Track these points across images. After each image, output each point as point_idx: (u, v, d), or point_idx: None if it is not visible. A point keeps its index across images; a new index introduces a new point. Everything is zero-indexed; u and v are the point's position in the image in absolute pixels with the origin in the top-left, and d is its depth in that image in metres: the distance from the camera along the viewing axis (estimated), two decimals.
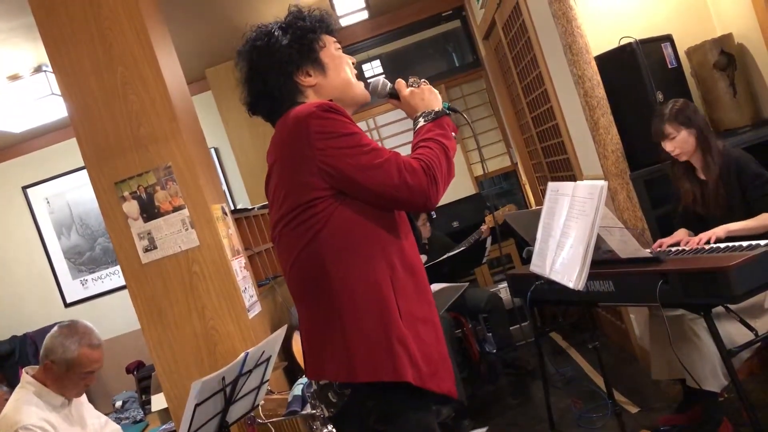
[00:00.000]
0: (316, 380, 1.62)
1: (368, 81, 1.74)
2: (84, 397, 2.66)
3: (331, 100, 1.61)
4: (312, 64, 1.65)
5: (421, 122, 1.65)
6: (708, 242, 2.54)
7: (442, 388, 1.56)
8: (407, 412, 1.54)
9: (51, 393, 2.45)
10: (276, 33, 1.64)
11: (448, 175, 1.58)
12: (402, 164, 1.50)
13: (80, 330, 2.50)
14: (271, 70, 1.63)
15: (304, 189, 1.52)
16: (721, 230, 2.57)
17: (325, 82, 1.66)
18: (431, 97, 1.69)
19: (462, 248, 4.37)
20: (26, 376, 2.49)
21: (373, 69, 6.43)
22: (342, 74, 1.68)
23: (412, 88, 1.72)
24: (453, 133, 1.66)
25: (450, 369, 1.61)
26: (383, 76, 1.77)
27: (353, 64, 1.75)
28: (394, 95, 1.75)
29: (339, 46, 1.73)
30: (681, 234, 2.81)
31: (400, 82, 1.74)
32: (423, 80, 1.74)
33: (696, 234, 2.76)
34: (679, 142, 2.78)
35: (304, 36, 1.64)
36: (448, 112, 1.69)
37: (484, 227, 4.44)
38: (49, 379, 2.45)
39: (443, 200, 5.23)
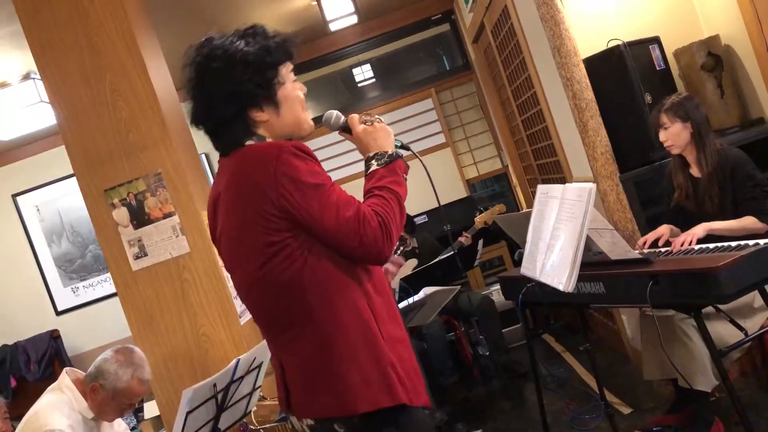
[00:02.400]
0: (306, 417, 1.57)
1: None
2: None
3: (289, 138, 1.58)
4: (267, 101, 1.56)
5: (374, 166, 1.60)
6: (690, 243, 2.54)
7: (423, 401, 1.58)
8: (418, 425, 1.57)
9: (85, 406, 2.44)
10: (237, 59, 1.52)
11: (401, 224, 1.56)
12: (361, 221, 1.47)
13: (136, 361, 2.49)
14: (223, 97, 1.53)
15: (270, 231, 1.47)
16: (700, 229, 2.58)
17: (276, 121, 1.58)
18: (384, 137, 1.64)
19: (450, 253, 4.37)
20: (66, 379, 2.47)
21: (363, 73, 6.44)
22: (294, 112, 1.61)
23: (365, 126, 1.66)
24: (404, 176, 1.63)
25: (423, 380, 1.63)
26: (339, 110, 1.76)
27: (304, 93, 1.66)
28: (346, 129, 1.70)
29: (293, 75, 1.62)
30: (663, 229, 2.82)
31: (353, 118, 1.68)
32: (377, 118, 1.69)
33: (682, 230, 2.78)
34: (671, 134, 2.80)
35: (265, 72, 1.55)
36: (401, 154, 1.65)
37: (463, 238, 4.43)
38: (92, 398, 2.44)
39: (434, 204, 5.24)
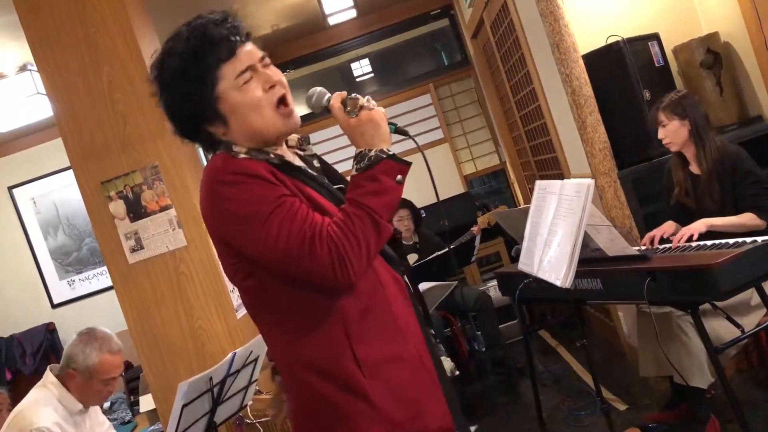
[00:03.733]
0: None
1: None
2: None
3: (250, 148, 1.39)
4: (212, 118, 1.38)
5: (353, 171, 1.34)
6: (690, 239, 2.55)
7: (432, 428, 1.38)
8: None
9: (72, 399, 2.44)
10: (171, 79, 1.36)
11: (370, 243, 1.30)
12: (307, 246, 1.27)
13: (99, 336, 2.48)
14: (176, 118, 1.41)
15: (232, 267, 1.39)
16: (701, 224, 2.59)
17: (231, 133, 1.38)
18: (372, 131, 1.35)
19: (451, 247, 4.37)
20: (50, 375, 2.47)
21: (362, 68, 6.43)
22: (247, 122, 1.36)
23: (349, 119, 1.36)
24: (396, 178, 1.33)
25: (440, 400, 1.42)
26: (328, 88, 1.46)
27: (275, 84, 1.38)
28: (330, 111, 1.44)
29: (244, 67, 1.35)
30: (668, 225, 2.83)
31: (334, 104, 1.40)
32: (366, 99, 1.38)
33: (683, 226, 2.78)
34: (669, 132, 2.80)
35: (191, 92, 1.34)
36: (387, 153, 1.34)
37: (475, 228, 4.44)
38: (72, 387, 2.44)
39: (433, 199, 5.23)
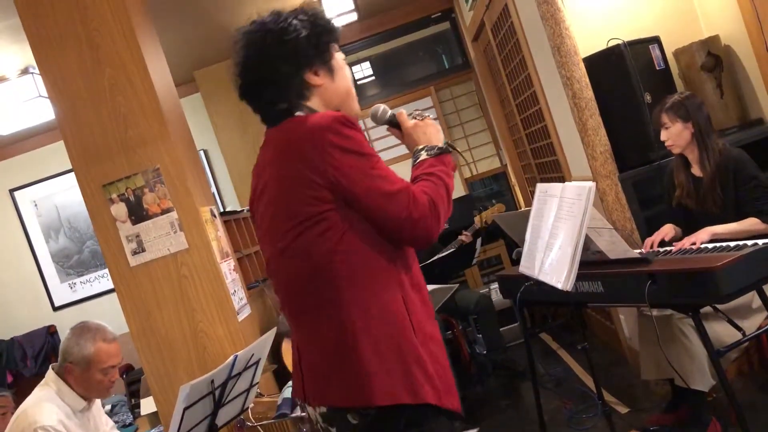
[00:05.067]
0: (319, 404, 1.54)
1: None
2: (99, 402, 2.64)
3: (340, 110, 1.58)
4: (323, 64, 1.60)
5: (424, 155, 1.60)
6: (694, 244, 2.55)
7: (455, 405, 1.51)
8: (431, 425, 1.50)
9: (74, 395, 2.44)
10: (294, 23, 1.57)
11: (448, 211, 1.54)
12: (411, 197, 1.46)
13: (92, 327, 2.49)
14: (282, 58, 1.55)
15: (313, 201, 1.45)
16: (705, 234, 2.58)
17: (331, 86, 1.61)
18: (434, 132, 1.65)
19: (451, 250, 4.37)
20: (51, 373, 2.47)
21: (363, 71, 6.43)
22: (346, 82, 1.64)
23: (416, 120, 1.67)
24: (453, 171, 1.63)
25: (455, 385, 1.56)
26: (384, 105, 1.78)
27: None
28: (393, 123, 1.72)
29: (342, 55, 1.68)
30: (667, 228, 2.83)
31: (402, 113, 1.70)
32: (427, 114, 1.71)
33: (683, 229, 2.78)
34: (672, 134, 2.80)
35: (321, 35, 1.59)
36: (450, 149, 1.65)
37: (464, 236, 4.43)
38: (72, 380, 2.44)
39: None
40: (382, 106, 1.72)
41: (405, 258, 1.55)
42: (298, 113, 1.56)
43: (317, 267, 1.47)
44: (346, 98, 1.64)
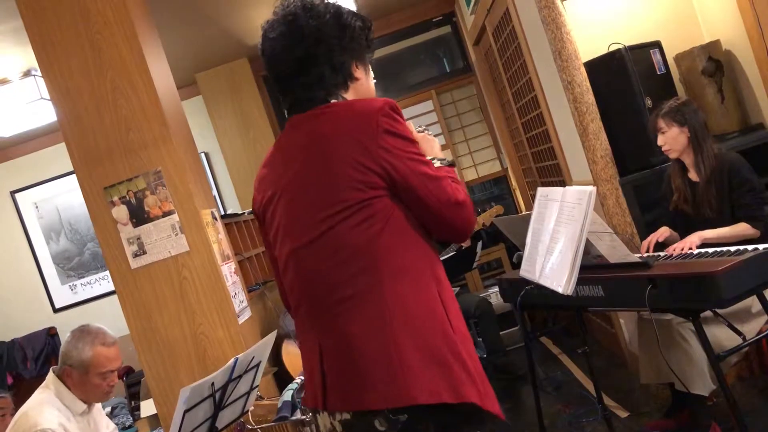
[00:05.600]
0: (346, 410, 1.42)
1: None
2: (99, 404, 2.64)
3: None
4: (364, 61, 1.61)
5: (437, 164, 1.58)
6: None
7: (497, 409, 1.42)
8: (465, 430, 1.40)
9: (74, 398, 2.44)
10: (348, 14, 1.57)
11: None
12: (453, 185, 1.49)
13: (92, 331, 2.49)
14: (340, 41, 1.52)
15: (361, 185, 1.40)
16: (696, 238, 2.60)
17: (366, 83, 1.62)
18: (438, 148, 1.68)
19: (451, 253, 4.37)
20: (52, 375, 2.47)
21: None
22: (371, 85, 1.66)
23: (425, 133, 1.68)
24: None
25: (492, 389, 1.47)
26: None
27: None
28: None
29: None
30: (662, 230, 2.86)
31: (410, 124, 1.62)
32: (427, 129, 1.74)
33: (681, 233, 2.79)
34: (669, 139, 2.82)
35: (369, 33, 1.62)
36: (451, 162, 1.67)
37: None
38: (71, 384, 2.44)
39: None
40: None
41: (437, 256, 1.52)
42: (333, 100, 1.53)
43: (357, 254, 1.40)
44: (371, 97, 1.65)
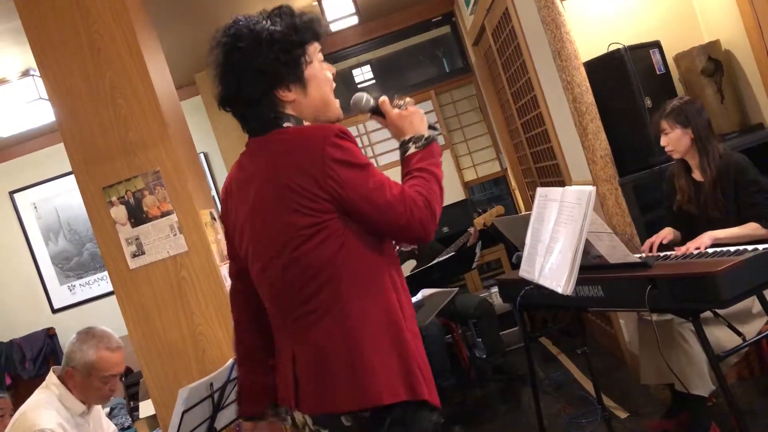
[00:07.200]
0: (317, 411, 1.54)
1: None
2: (99, 406, 2.63)
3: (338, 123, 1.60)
4: (295, 80, 1.59)
5: (412, 149, 1.63)
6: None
7: (437, 401, 1.57)
8: (421, 422, 1.54)
9: (74, 399, 2.44)
10: (264, 39, 1.54)
11: (441, 202, 1.58)
12: (408, 202, 1.50)
13: (97, 334, 2.49)
14: (251, 77, 1.55)
15: (313, 212, 1.48)
16: (707, 238, 2.58)
17: (304, 101, 1.61)
18: (419, 121, 1.67)
19: (451, 254, 4.37)
20: (52, 376, 2.47)
21: (363, 74, 6.43)
22: (322, 92, 1.63)
23: (400, 111, 1.68)
24: (440, 158, 1.67)
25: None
26: (367, 91, 1.75)
27: (333, 75, 1.70)
28: (376, 112, 1.72)
29: (321, 56, 1.66)
30: (665, 232, 2.83)
31: (385, 101, 1.70)
32: (409, 100, 1.71)
33: (684, 234, 2.78)
34: (672, 140, 2.79)
35: (291, 50, 1.57)
36: (435, 137, 1.67)
37: (472, 230, 4.44)
38: (72, 385, 2.44)
39: None
40: (364, 96, 1.72)
41: (396, 260, 1.61)
42: (286, 124, 1.58)
43: (319, 274, 1.50)
44: (323, 108, 1.64)
